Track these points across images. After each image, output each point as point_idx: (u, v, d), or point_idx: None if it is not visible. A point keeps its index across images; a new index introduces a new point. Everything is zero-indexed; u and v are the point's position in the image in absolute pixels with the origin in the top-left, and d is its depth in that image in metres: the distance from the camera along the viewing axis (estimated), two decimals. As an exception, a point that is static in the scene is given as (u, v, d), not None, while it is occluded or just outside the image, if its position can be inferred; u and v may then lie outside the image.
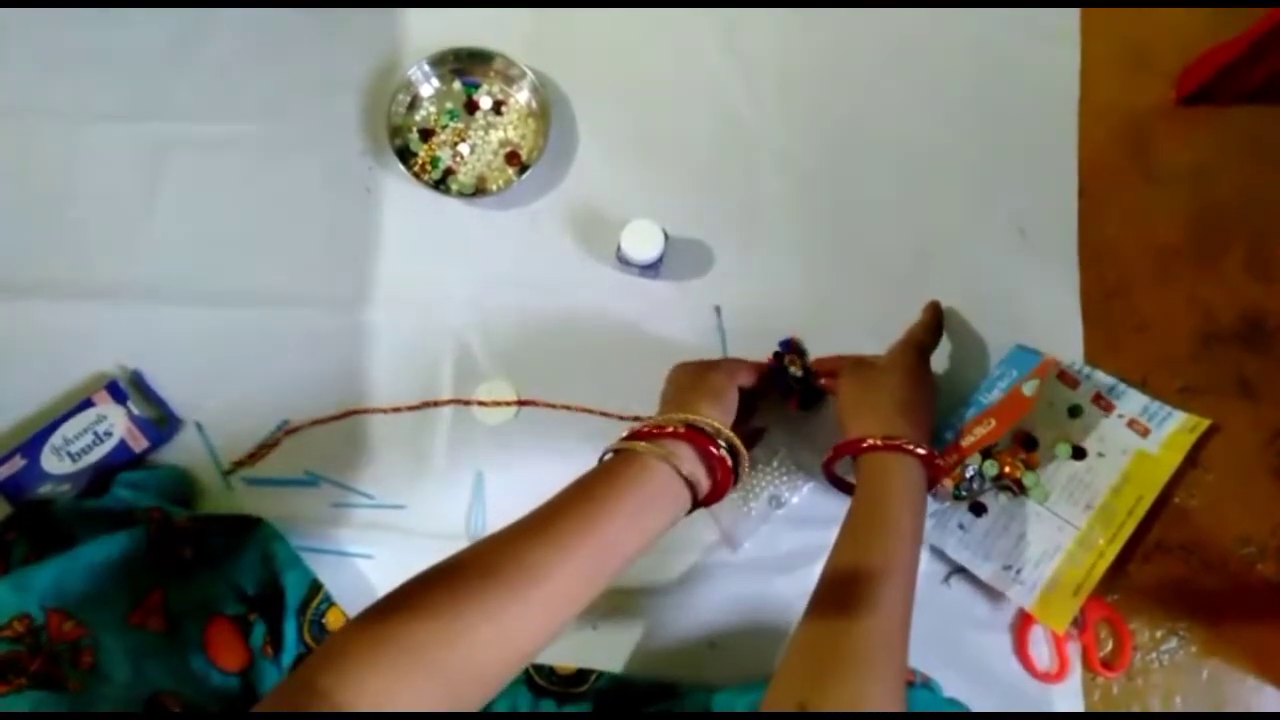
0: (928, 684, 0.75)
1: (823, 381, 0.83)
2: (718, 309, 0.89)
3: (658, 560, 0.83)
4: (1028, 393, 0.83)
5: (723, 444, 0.67)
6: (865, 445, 0.70)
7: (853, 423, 0.73)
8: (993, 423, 0.83)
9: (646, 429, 0.67)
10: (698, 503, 0.68)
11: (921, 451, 0.70)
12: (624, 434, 0.68)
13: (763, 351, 0.86)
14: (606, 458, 0.67)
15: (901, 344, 0.80)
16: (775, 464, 0.85)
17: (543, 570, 0.56)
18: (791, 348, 0.87)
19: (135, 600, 0.71)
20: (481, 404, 0.86)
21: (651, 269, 0.86)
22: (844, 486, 0.78)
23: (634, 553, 0.61)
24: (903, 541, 0.65)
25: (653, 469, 0.64)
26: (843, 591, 0.62)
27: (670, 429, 0.66)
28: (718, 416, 0.69)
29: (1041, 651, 0.83)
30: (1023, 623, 0.83)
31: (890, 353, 0.79)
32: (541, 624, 0.56)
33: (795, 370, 0.84)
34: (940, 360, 0.88)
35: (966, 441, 0.83)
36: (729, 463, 0.67)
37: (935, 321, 0.83)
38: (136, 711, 0.67)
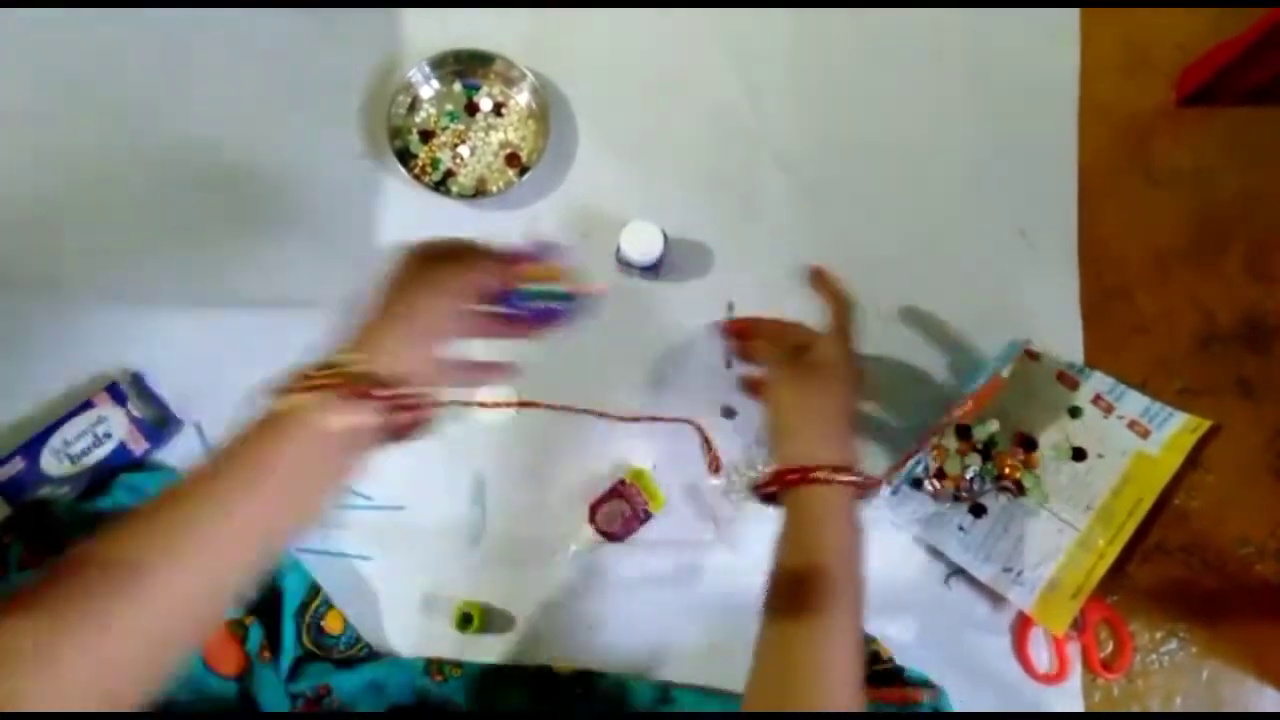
0: (936, 703, 0.75)
1: (748, 379, 0.75)
2: (730, 305, 0.88)
3: (657, 559, 0.83)
4: (1004, 375, 0.82)
5: (387, 391, 0.53)
6: (817, 478, 0.62)
7: (795, 442, 0.65)
8: (969, 404, 0.82)
9: (301, 380, 0.53)
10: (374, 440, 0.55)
11: (871, 480, 0.64)
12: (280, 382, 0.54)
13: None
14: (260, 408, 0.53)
15: (835, 335, 0.70)
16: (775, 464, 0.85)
17: (161, 575, 0.45)
18: (535, 252, 0.64)
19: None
20: (481, 405, 0.85)
21: (651, 270, 0.86)
22: (770, 499, 0.67)
23: (296, 526, 0.52)
24: (857, 587, 0.59)
25: (304, 427, 0.51)
26: (802, 662, 0.56)
27: (332, 384, 0.52)
28: (401, 354, 0.55)
29: (1041, 653, 0.83)
30: (1023, 624, 0.83)
31: (825, 346, 0.69)
32: (173, 629, 0.46)
33: (538, 285, 0.63)
34: (939, 361, 0.88)
35: (944, 420, 0.82)
36: (399, 411, 0.54)
37: (841, 293, 0.73)
38: (136, 711, 0.67)
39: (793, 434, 0.66)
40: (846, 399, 0.67)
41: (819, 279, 0.73)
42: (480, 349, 0.65)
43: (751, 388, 0.75)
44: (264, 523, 0.50)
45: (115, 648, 0.43)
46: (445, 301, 0.58)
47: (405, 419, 0.55)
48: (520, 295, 0.62)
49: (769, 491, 0.65)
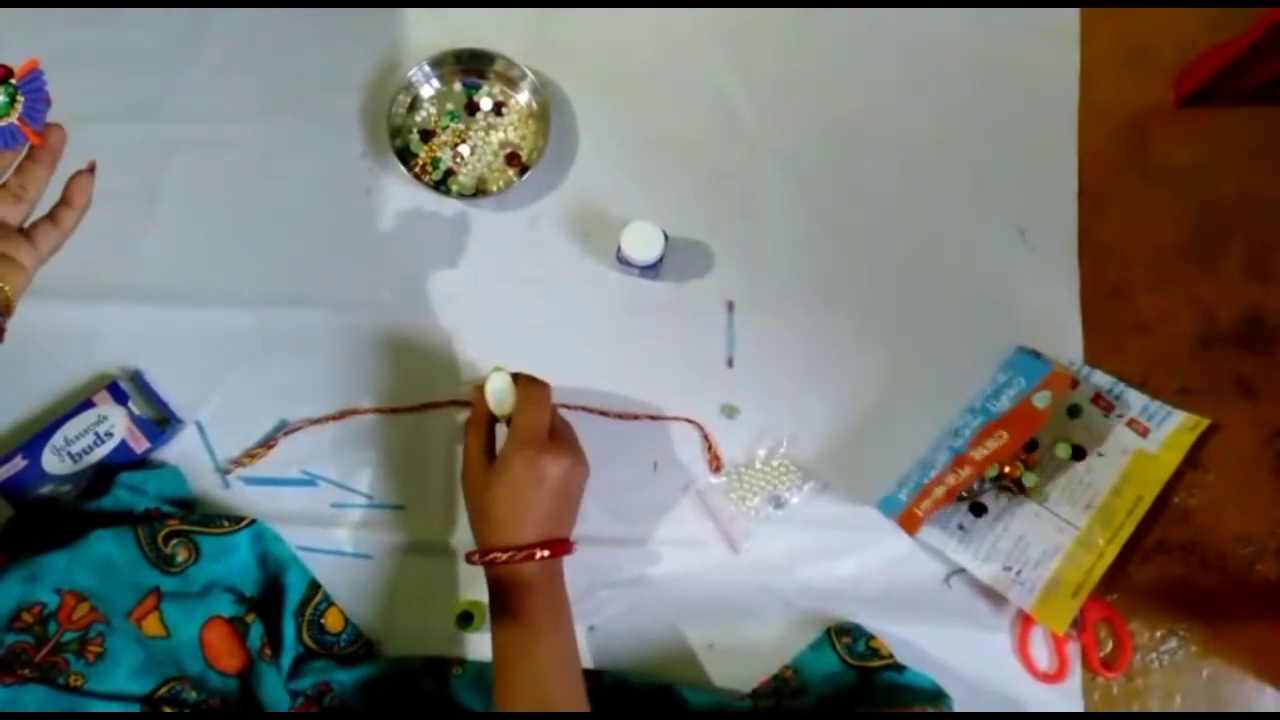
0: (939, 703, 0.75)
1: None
2: (730, 304, 0.89)
3: (657, 560, 0.83)
4: (1039, 405, 0.82)
5: None
6: (497, 560, 0.68)
7: (481, 529, 0.71)
8: (1005, 435, 0.82)
9: None
10: None
11: (553, 551, 0.69)
12: None
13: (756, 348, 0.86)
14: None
15: (515, 441, 0.69)
16: (775, 465, 0.85)
17: None
18: None
19: (132, 602, 0.71)
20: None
21: (652, 270, 0.86)
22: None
23: None
24: (548, 612, 0.69)
25: None
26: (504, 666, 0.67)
27: None
28: None
29: (1041, 652, 0.83)
30: (1023, 623, 0.83)
31: (502, 456, 0.70)
32: None
33: None
34: (939, 361, 0.88)
35: (978, 454, 0.82)
36: None
37: (533, 409, 0.71)
38: (137, 711, 0.67)
39: (480, 522, 0.71)
40: (525, 496, 0.69)
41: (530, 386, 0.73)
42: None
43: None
44: None
45: None
46: None
47: None
48: None
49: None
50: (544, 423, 0.70)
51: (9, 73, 0.57)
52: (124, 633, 0.70)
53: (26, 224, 0.62)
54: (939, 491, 0.82)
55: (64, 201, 0.64)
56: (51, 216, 0.63)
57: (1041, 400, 0.82)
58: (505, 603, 0.68)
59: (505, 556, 0.68)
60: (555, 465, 0.69)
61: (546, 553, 0.68)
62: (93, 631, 0.68)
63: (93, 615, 0.69)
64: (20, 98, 0.58)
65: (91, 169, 0.65)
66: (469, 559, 0.70)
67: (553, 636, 0.68)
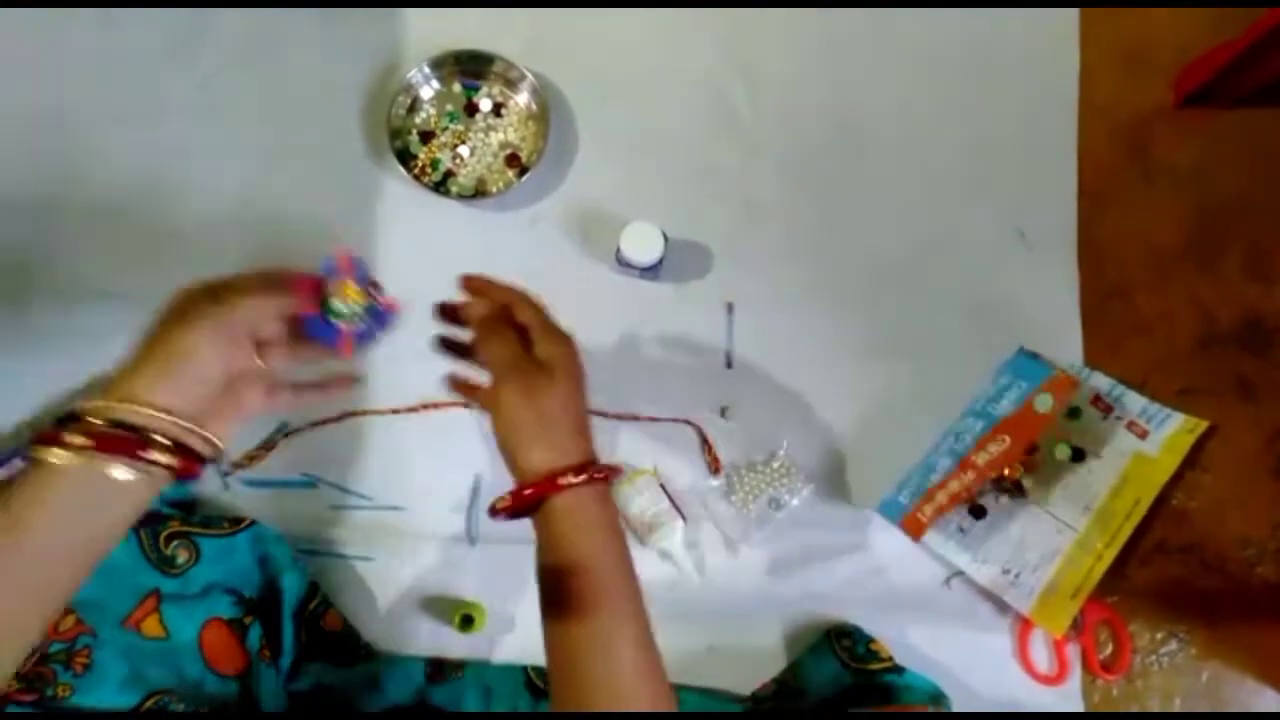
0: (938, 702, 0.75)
1: (477, 389, 0.64)
2: (729, 305, 0.89)
3: (656, 561, 0.83)
4: (1040, 409, 0.82)
5: (163, 441, 0.51)
6: (561, 484, 0.57)
7: (531, 452, 0.59)
8: (1007, 440, 0.82)
9: (69, 433, 0.49)
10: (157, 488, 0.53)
11: (609, 468, 0.60)
12: (47, 424, 0.51)
13: (767, 365, 0.86)
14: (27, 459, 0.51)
15: (547, 330, 0.63)
16: (775, 466, 0.85)
17: None
18: (342, 269, 0.60)
19: (131, 604, 0.72)
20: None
21: (651, 271, 0.86)
22: (515, 516, 0.60)
23: (75, 574, 0.51)
24: (622, 585, 0.58)
25: (78, 483, 0.49)
26: (579, 666, 0.55)
27: (102, 440, 0.49)
28: (170, 400, 0.52)
29: (1041, 654, 0.83)
30: (1023, 625, 0.83)
31: (545, 344, 0.62)
32: None
33: (347, 304, 0.60)
34: (938, 362, 0.88)
35: (981, 459, 0.82)
36: (176, 461, 0.52)
37: (516, 289, 0.66)
38: (136, 711, 0.67)
39: (527, 445, 0.59)
40: (575, 395, 0.61)
41: (476, 286, 0.66)
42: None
43: (465, 390, 0.66)
44: (41, 576, 0.49)
45: None
46: (208, 344, 0.54)
47: (179, 464, 0.52)
48: (330, 314, 0.60)
49: (513, 512, 0.59)
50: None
51: (378, 288, 0.63)
52: (112, 645, 0.69)
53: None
54: (942, 497, 0.81)
55: (318, 385, 0.64)
56: (296, 388, 0.62)
57: (1043, 404, 0.82)
58: (578, 586, 0.57)
59: (600, 473, 0.58)
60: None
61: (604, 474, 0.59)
62: (79, 644, 0.68)
63: (79, 628, 0.68)
64: (376, 320, 0.63)
65: (353, 381, 0.66)
66: (536, 493, 0.58)
67: (640, 619, 0.58)
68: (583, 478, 0.57)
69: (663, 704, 0.55)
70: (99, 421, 0.50)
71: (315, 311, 0.60)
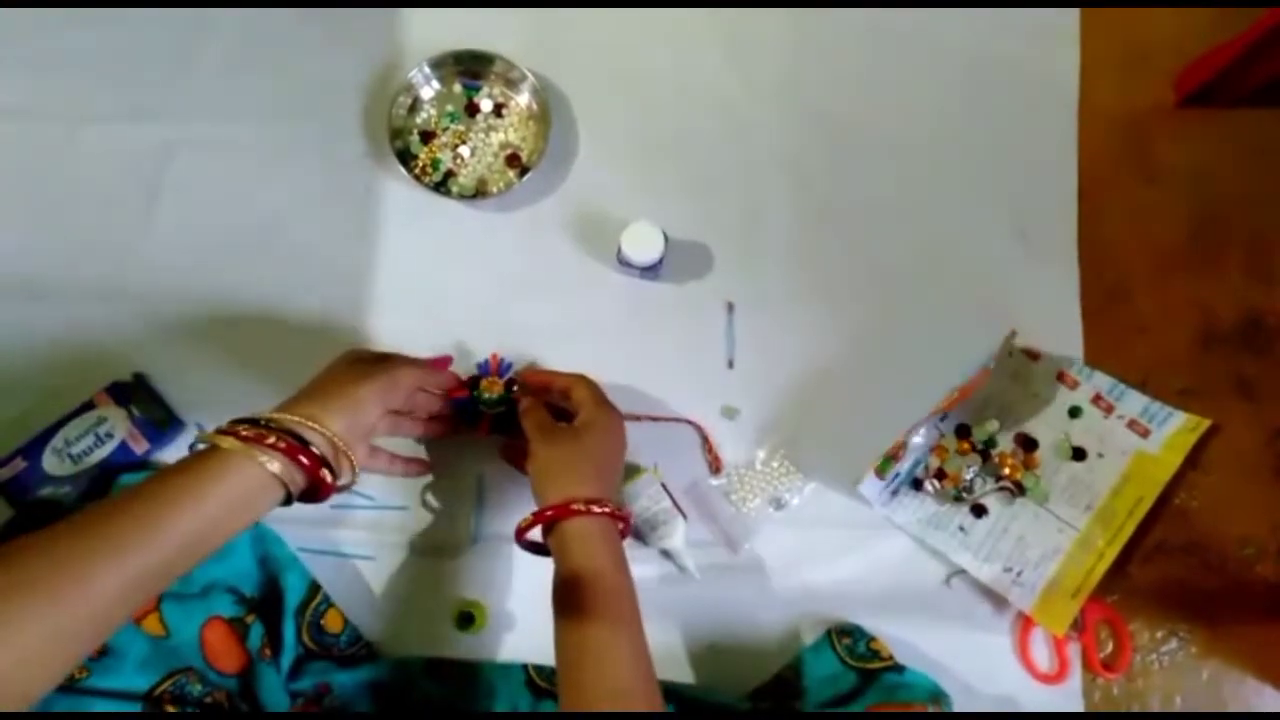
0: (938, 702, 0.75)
1: (511, 448, 0.80)
2: (730, 305, 0.89)
3: (657, 562, 0.83)
4: (990, 366, 0.82)
5: (317, 451, 0.62)
6: (571, 509, 0.67)
7: (551, 487, 0.69)
8: (955, 392, 0.82)
9: (244, 429, 0.60)
10: (294, 495, 0.63)
11: (619, 512, 0.69)
12: (224, 424, 0.61)
13: (769, 371, 0.87)
14: (198, 447, 0.63)
15: (593, 403, 0.75)
16: (775, 465, 0.85)
17: (88, 572, 0.51)
18: (492, 369, 0.84)
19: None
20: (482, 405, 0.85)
21: (652, 271, 0.86)
22: (534, 549, 0.71)
23: (205, 551, 0.57)
24: (624, 601, 0.66)
25: (238, 469, 0.58)
26: (583, 668, 0.63)
27: (270, 439, 0.60)
28: (334, 426, 0.64)
29: (1042, 653, 0.83)
30: (1024, 624, 0.83)
31: (586, 413, 0.75)
32: (84, 631, 0.51)
33: (491, 394, 0.80)
34: (939, 362, 0.88)
35: (928, 408, 0.82)
36: (323, 473, 0.62)
37: (565, 375, 0.79)
38: (136, 711, 0.67)
39: (549, 482, 0.70)
40: (597, 450, 0.73)
41: (539, 382, 0.80)
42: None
43: (517, 457, 0.78)
44: (180, 542, 0.55)
45: (23, 636, 0.48)
46: (375, 395, 0.68)
47: (320, 491, 0.63)
48: (480, 403, 0.81)
49: (533, 540, 0.71)
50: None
51: (515, 385, 0.81)
52: (129, 628, 0.70)
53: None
54: (892, 449, 0.82)
55: (405, 460, 0.79)
56: (393, 457, 0.78)
57: (991, 362, 0.82)
58: (585, 595, 0.65)
59: (616, 510, 0.68)
60: (622, 422, 0.76)
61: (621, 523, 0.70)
62: None
63: None
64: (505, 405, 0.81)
65: (425, 468, 0.82)
66: (559, 514, 0.67)
67: (637, 634, 0.65)
68: (590, 507, 0.67)
69: (653, 708, 0.62)
70: (285, 427, 0.61)
71: (467, 396, 0.80)
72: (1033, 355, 0.86)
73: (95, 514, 0.54)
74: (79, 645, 0.51)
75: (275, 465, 0.59)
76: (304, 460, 0.60)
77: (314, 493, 0.63)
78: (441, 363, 0.81)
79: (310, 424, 0.62)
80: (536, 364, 0.86)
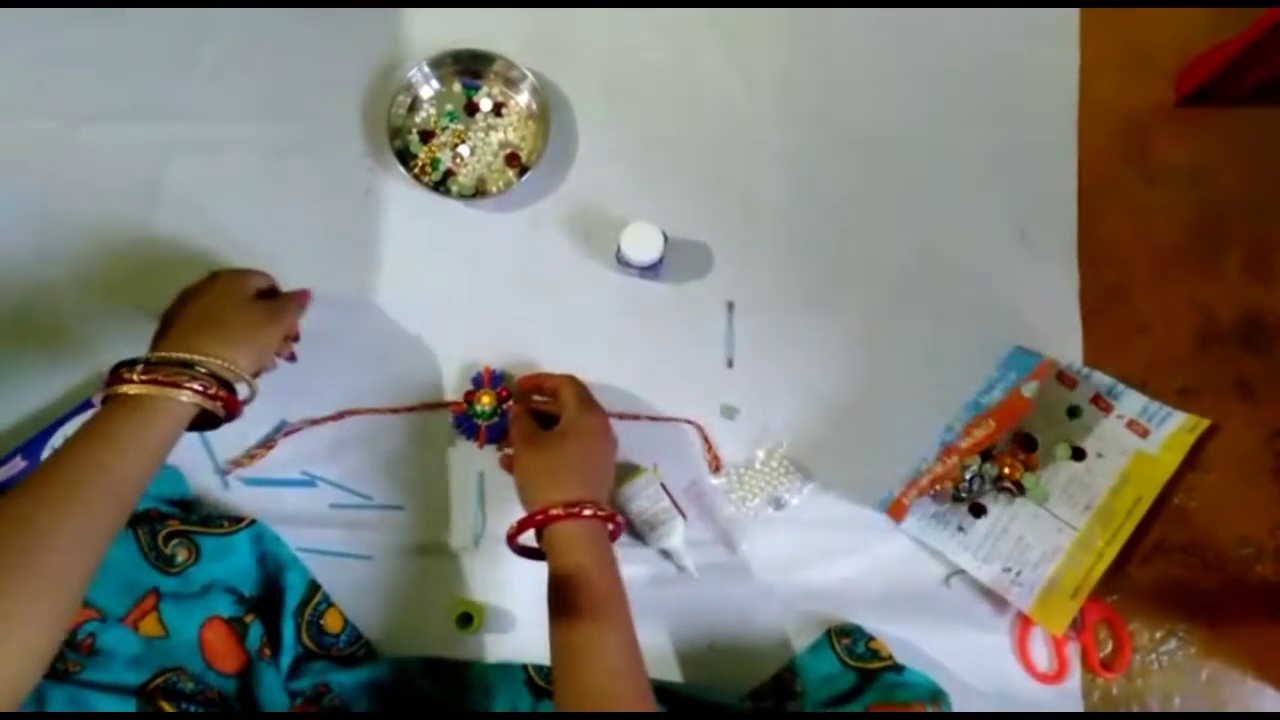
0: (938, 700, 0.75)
1: (502, 455, 0.83)
2: (730, 305, 0.89)
3: (656, 561, 0.83)
4: (1027, 394, 0.83)
5: (241, 397, 0.70)
6: (552, 515, 0.68)
7: (535, 494, 0.71)
8: (992, 424, 0.83)
9: (161, 374, 0.64)
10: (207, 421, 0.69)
11: (604, 514, 0.70)
12: (140, 363, 0.66)
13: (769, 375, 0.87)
14: (98, 399, 0.67)
15: (577, 405, 0.76)
16: (775, 465, 0.85)
17: (48, 535, 0.55)
18: (485, 382, 0.84)
19: (131, 602, 0.72)
20: (483, 406, 0.85)
21: (651, 270, 0.86)
22: (529, 554, 0.73)
23: (142, 485, 0.62)
24: (612, 600, 0.67)
25: (168, 411, 0.64)
26: (574, 666, 0.64)
27: (196, 384, 0.65)
28: (246, 364, 0.70)
29: (1041, 652, 0.83)
30: (1023, 624, 0.83)
31: (569, 417, 0.76)
32: (62, 583, 0.55)
33: (484, 406, 0.83)
34: (939, 362, 0.88)
35: (965, 443, 0.83)
36: (227, 394, 0.68)
37: (556, 376, 0.81)
38: (136, 711, 0.67)
39: (533, 488, 0.72)
40: (583, 453, 0.74)
41: (530, 384, 0.83)
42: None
43: (509, 465, 0.80)
44: (130, 483, 0.61)
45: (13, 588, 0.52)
46: (279, 335, 0.76)
47: (219, 393, 0.68)
48: (473, 416, 0.84)
49: (525, 545, 0.72)
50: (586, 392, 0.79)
51: (509, 395, 0.84)
52: (120, 629, 0.70)
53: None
54: (925, 481, 0.83)
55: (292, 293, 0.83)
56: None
57: (1029, 390, 0.83)
58: (572, 595, 0.66)
59: (600, 512, 0.69)
60: (608, 423, 0.77)
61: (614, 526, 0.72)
62: (82, 633, 0.69)
63: (86, 613, 0.69)
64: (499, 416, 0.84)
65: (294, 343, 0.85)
66: (543, 520, 0.69)
67: (625, 630, 0.66)
68: (576, 510, 0.68)
69: (643, 704, 0.63)
70: (211, 371, 0.67)
71: (463, 412, 0.84)
72: (1069, 381, 0.86)
73: (42, 478, 0.58)
74: (60, 587, 0.55)
75: (185, 396, 0.65)
76: (224, 396, 0.67)
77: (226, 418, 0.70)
78: (305, 295, 0.83)
79: (229, 367, 0.68)
80: (533, 371, 0.86)
